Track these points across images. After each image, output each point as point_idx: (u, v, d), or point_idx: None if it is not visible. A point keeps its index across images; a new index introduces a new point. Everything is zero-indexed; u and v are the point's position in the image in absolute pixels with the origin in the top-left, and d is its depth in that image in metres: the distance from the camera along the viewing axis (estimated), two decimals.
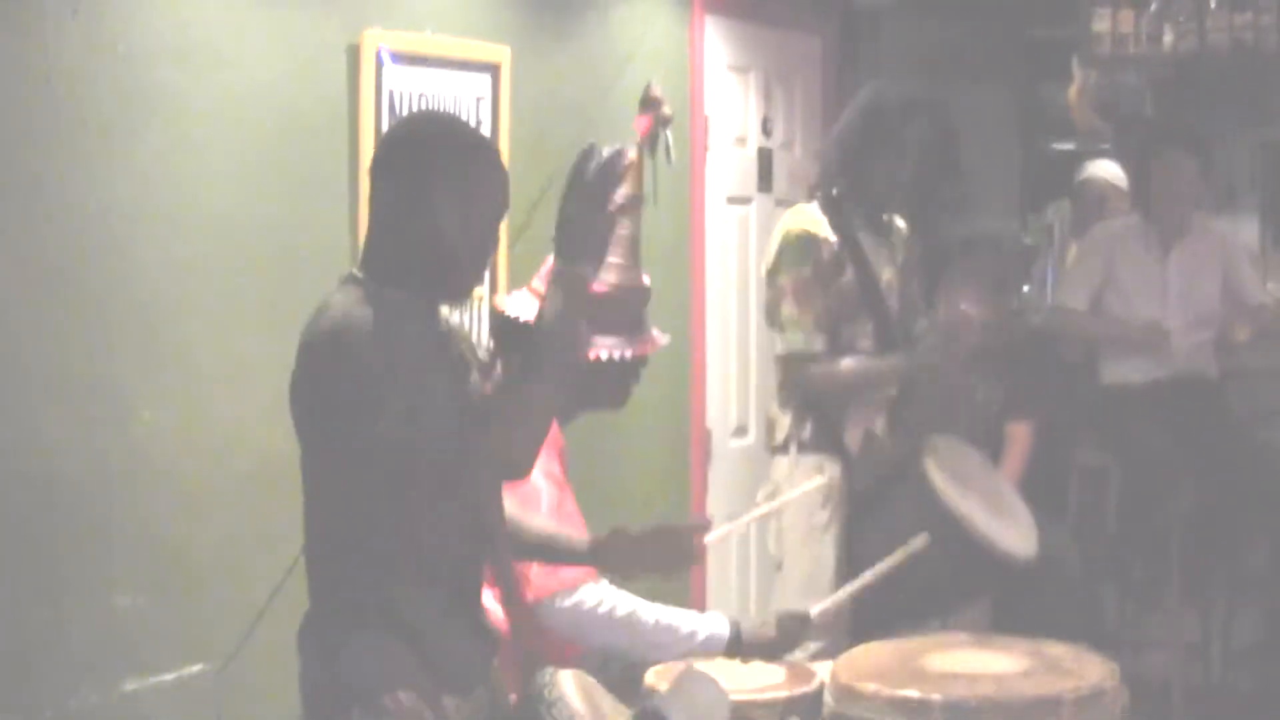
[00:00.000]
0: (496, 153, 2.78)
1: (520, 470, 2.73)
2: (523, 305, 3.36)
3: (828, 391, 4.27)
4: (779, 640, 3.31)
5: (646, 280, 3.43)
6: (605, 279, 3.21)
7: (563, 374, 2.68)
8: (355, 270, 2.72)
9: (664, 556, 3.19)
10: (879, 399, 4.32)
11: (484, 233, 2.72)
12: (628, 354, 3.34)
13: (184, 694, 3.69)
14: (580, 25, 5.13)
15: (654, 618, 3.25)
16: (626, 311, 3.35)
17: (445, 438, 2.60)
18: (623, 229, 3.30)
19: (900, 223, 4.50)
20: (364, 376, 2.54)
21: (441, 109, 4.35)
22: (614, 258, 3.25)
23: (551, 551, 3.16)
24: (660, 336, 3.44)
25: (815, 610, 3.38)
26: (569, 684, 2.69)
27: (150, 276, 3.65)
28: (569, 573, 3.20)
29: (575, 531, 3.22)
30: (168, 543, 3.69)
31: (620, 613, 3.22)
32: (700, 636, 3.28)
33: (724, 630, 3.29)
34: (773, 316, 4.30)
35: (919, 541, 3.50)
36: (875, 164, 4.29)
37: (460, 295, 2.80)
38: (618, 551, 3.14)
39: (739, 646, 3.28)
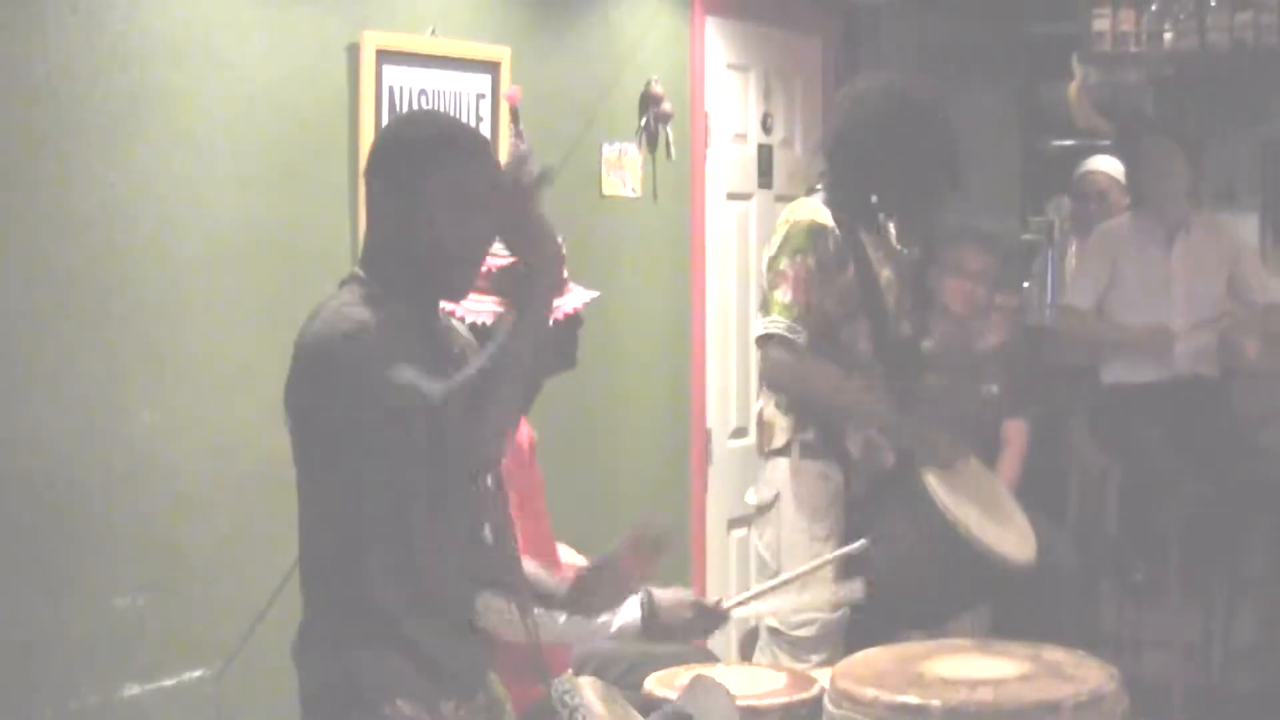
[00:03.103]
0: (490, 150, 2.75)
1: (489, 455, 2.68)
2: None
3: (807, 395, 4.21)
4: (690, 625, 3.28)
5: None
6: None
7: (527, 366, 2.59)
8: (357, 269, 2.71)
9: (634, 576, 2.99)
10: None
11: (479, 231, 2.68)
12: (559, 315, 3.30)
13: (184, 698, 3.69)
14: (580, 24, 5.13)
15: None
16: None
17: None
18: None
19: (890, 224, 4.47)
20: (358, 378, 2.51)
21: (438, 108, 4.34)
22: None
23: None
24: (586, 292, 3.42)
25: (730, 604, 3.37)
26: (590, 692, 2.68)
27: (150, 276, 3.66)
28: None
29: (552, 574, 3.14)
30: (168, 543, 3.69)
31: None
32: (614, 627, 3.25)
33: (635, 615, 3.27)
34: (765, 300, 4.21)
35: (856, 546, 3.62)
36: (877, 160, 4.23)
37: (456, 294, 2.76)
38: (596, 590, 2.99)
39: (653, 626, 3.27)
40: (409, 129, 2.78)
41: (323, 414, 2.59)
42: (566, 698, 2.62)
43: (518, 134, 3.76)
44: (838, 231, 4.18)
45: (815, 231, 4.15)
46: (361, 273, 2.69)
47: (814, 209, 4.21)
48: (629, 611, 3.26)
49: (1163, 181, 5.66)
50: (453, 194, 2.63)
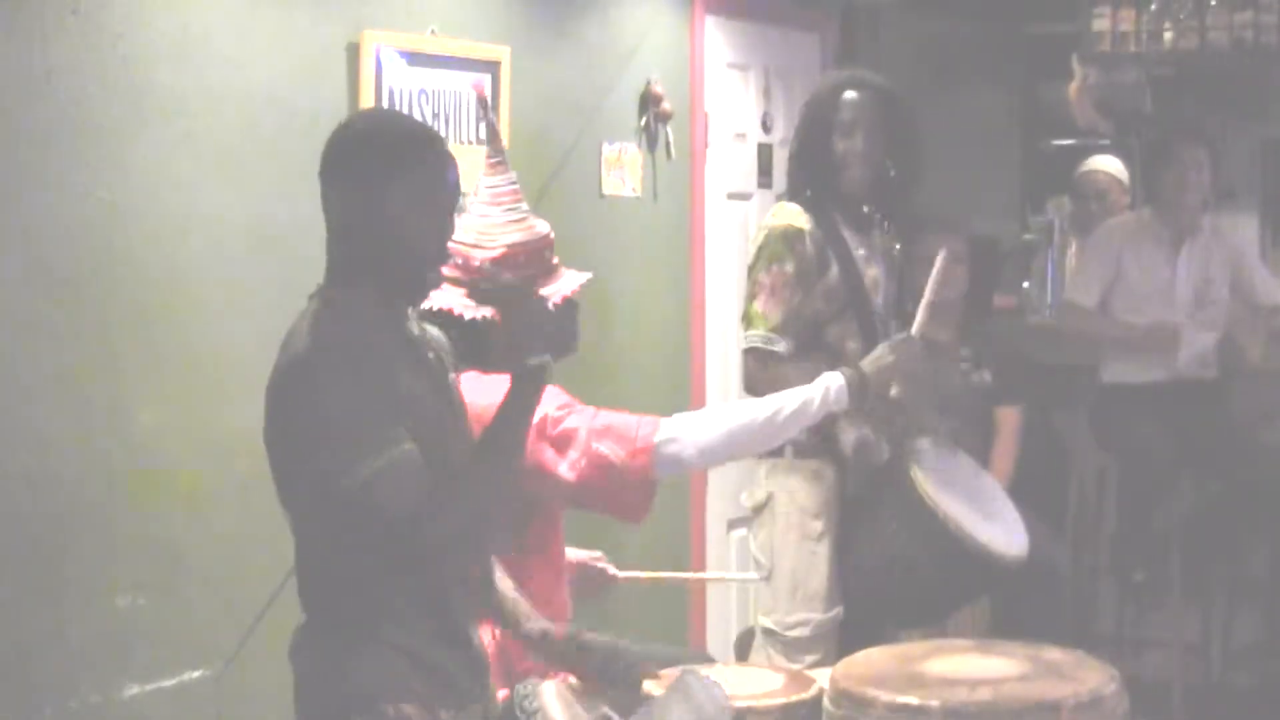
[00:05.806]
0: (443, 142, 2.73)
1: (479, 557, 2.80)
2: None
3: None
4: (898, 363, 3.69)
5: (543, 228, 3.31)
6: (510, 240, 3.19)
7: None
8: (323, 283, 2.67)
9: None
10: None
11: (439, 226, 2.66)
12: (559, 300, 3.22)
13: (184, 699, 3.69)
14: (581, 23, 5.13)
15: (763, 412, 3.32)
16: (541, 261, 3.29)
17: (427, 454, 2.57)
18: (508, 180, 3.27)
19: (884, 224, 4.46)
20: (333, 419, 2.50)
21: (437, 107, 4.34)
22: (512, 215, 3.23)
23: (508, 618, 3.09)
24: (578, 275, 3.38)
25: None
26: (550, 695, 2.67)
27: (150, 276, 3.65)
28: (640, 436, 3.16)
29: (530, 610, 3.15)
30: (168, 543, 3.69)
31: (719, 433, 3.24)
32: (819, 398, 3.41)
33: (839, 380, 3.46)
34: (745, 311, 4.20)
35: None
36: (822, 151, 4.22)
37: (421, 295, 2.73)
38: (560, 655, 3.07)
39: (862, 390, 3.52)
40: (361, 129, 2.74)
41: (301, 456, 2.57)
42: (525, 703, 2.60)
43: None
44: (818, 233, 4.16)
45: (791, 236, 4.14)
46: (327, 285, 2.67)
47: (791, 213, 4.20)
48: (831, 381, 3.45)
49: (1185, 184, 5.62)
50: (411, 192, 2.60)
